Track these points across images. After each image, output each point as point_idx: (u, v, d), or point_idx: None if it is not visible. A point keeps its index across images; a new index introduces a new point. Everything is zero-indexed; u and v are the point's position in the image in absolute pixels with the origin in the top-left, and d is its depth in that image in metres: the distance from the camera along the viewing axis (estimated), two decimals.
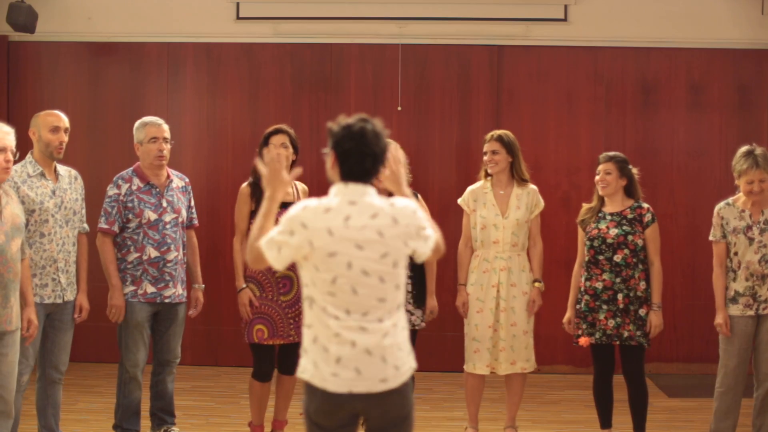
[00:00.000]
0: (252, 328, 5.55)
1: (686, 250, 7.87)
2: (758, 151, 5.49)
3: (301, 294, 5.41)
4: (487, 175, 5.85)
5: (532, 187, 5.85)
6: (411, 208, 3.50)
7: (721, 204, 5.65)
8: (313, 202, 3.46)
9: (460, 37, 8.00)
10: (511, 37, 7.99)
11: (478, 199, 5.82)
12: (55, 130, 5.32)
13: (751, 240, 5.51)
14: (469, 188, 5.90)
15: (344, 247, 3.37)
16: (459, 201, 5.91)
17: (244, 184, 5.64)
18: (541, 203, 5.85)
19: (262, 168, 3.61)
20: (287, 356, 5.63)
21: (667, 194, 7.90)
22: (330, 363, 3.38)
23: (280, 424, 5.81)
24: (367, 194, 3.45)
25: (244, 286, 5.56)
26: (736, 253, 5.57)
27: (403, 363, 3.46)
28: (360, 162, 3.42)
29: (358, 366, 3.37)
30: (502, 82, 8.01)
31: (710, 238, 5.66)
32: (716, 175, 7.89)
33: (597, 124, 8.01)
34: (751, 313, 5.51)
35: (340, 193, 3.45)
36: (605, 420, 5.74)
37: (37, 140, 5.33)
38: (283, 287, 5.55)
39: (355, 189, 3.44)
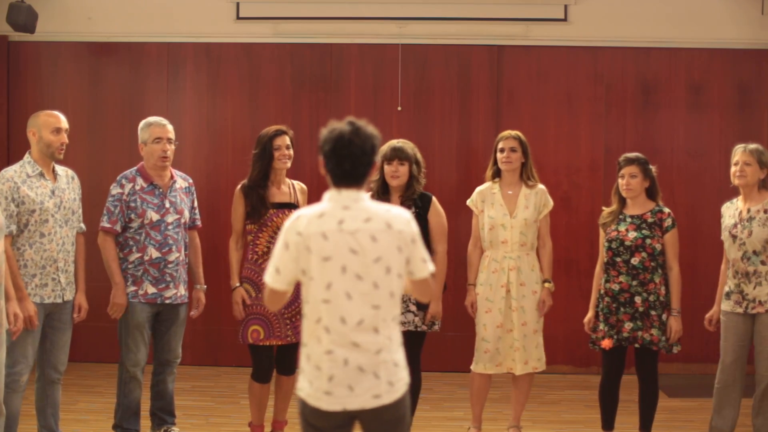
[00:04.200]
0: (247, 328, 5.54)
1: (686, 250, 7.80)
2: (754, 143, 5.54)
3: (298, 295, 5.39)
4: (494, 176, 5.84)
5: (541, 186, 5.83)
6: (405, 217, 3.51)
7: (727, 203, 5.67)
8: (307, 210, 3.49)
9: (460, 37, 8.00)
10: (511, 37, 7.99)
11: (486, 199, 5.80)
12: (57, 131, 5.32)
13: (734, 237, 5.51)
14: (477, 189, 5.87)
15: (338, 251, 3.39)
16: (468, 202, 5.89)
17: (238, 187, 5.64)
18: (550, 203, 5.83)
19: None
20: (285, 357, 5.63)
21: (667, 194, 7.80)
22: (323, 381, 3.40)
23: (280, 425, 5.81)
24: (361, 199, 3.46)
25: (238, 284, 5.57)
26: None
27: (398, 379, 3.46)
28: (348, 167, 3.40)
29: (351, 383, 3.39)
30: (502, 82, 8.01)
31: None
32: (716, 175, 7.87)
33: (597, 124, 8.00)
34: (740, 310, 5.49)
35: (333, 199, 3.46)
36: (608, 422, 5.73)
37: (37, 141, 5.31)
38: None
39: (348, 195, 3.45)
